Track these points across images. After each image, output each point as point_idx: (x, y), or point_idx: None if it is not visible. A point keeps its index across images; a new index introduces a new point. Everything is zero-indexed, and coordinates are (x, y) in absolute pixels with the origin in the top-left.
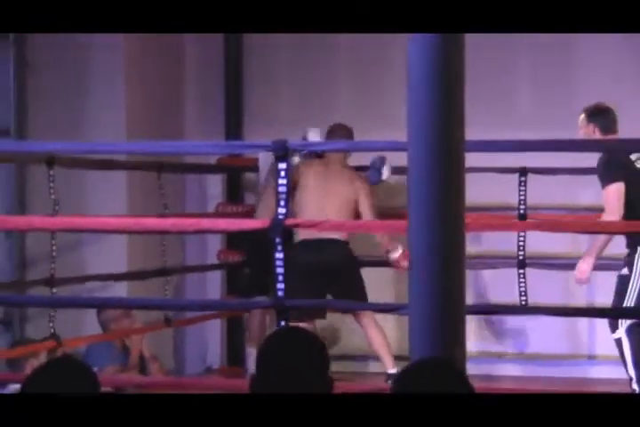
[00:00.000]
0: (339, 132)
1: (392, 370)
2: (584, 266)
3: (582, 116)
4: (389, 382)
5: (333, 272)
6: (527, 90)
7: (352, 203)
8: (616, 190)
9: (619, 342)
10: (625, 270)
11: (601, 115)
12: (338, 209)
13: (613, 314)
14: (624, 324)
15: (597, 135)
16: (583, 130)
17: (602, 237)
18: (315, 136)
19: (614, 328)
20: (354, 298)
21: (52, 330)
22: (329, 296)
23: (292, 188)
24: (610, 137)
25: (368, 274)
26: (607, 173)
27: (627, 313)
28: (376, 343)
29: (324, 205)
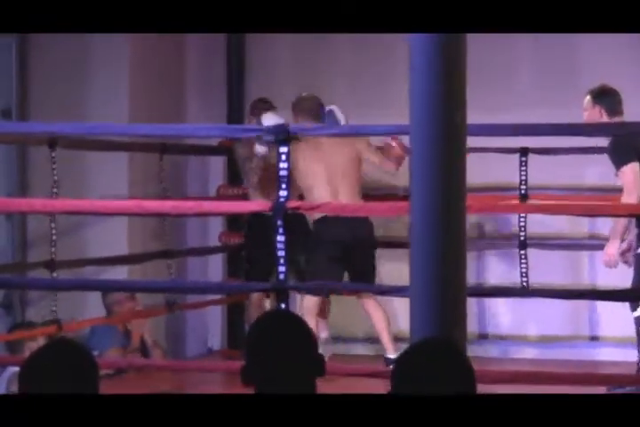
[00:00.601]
0: (304, 103)
1: (391, 355)
2: (611, 249)
3: (587, 98)
4: (390, 366)
5: (353, 247)
6: (529, 69)
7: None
8: (631, 170)
9: (637, 320)
10: None
11: (607, 96)
12: (348, 183)
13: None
14: None
15: (604, 117)
16: (589, 111)
17: (622, 219)
18: (270, 121)
19: (635, 307)
20: (365, 278)
21: (55, 314)
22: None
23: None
24: (616, 119)
25: (381, 253)
26: (619, 156)
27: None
28: (378, 327)
29: (336, 185)
